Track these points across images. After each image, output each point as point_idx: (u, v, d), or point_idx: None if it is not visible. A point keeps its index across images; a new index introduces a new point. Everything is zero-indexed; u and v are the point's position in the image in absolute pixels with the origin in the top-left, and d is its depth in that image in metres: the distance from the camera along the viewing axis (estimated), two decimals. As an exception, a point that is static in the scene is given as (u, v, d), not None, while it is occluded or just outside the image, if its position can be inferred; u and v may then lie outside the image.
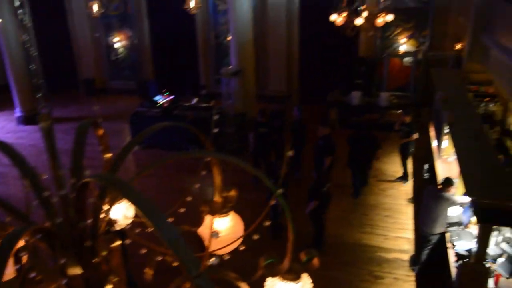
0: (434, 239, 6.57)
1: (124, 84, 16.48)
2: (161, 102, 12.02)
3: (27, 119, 13.81)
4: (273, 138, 9.50)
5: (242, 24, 11.55)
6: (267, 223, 1.72)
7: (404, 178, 9.62)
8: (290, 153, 1.63)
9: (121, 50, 16.32)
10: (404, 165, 9.58)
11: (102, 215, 1.53)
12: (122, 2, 15.56)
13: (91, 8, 12.28)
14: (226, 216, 1.81)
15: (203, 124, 10.78)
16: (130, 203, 1.38)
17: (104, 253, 1.49)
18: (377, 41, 12.96)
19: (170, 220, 1.87)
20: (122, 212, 1.95)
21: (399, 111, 10.27)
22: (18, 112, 14.11)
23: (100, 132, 1.91)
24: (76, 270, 1.41)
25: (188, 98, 12.43)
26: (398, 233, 8.02)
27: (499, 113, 9.21)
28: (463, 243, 6.15)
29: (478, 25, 9.52)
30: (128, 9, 15.62)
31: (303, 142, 9.51)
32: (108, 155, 1.95)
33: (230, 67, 12.10)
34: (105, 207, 1.52)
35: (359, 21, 9.89)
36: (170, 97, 12.24)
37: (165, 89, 12.50)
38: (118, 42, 16.13)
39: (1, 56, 14.04)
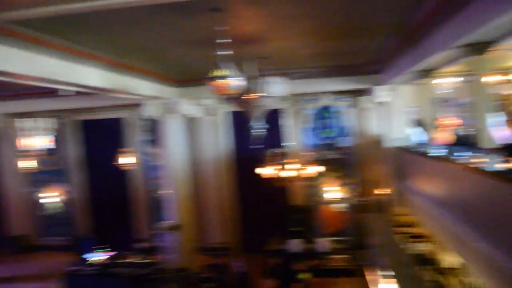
0: None
1: (58, 240, 15.80)
2: (95, 260, 11.54)
3: None
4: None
5: (180, 179, 11.91)
6: None
7: None
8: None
9: (55, 205, 15.97)
10: None
11: None
12: (59, 158, 15.72)
13: (23, 164, 12.24)
14: None
15: (141, 281, 10.38)
16: None
17: None
18: (309, 190, 13.70)
19: None
20: None
21: None
22: None
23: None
24: None
25: (126, 254, 12.05)
26: None
27: (429, 252, 9.63)
28: None
29: (398, 173, 10.48)
30: (64, 164, 15.74)
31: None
32: None
33: (169, 221, 12.09)
34: None
35: (288, 173, 10.52)
36: (110, 253, 11.83)
37: (104, 245, 12.13)
38: (52, 197, 15.83)
39: None
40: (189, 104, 12.13)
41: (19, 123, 12.29)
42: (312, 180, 13.33)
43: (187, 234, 11.91)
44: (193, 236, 12.38)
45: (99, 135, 15.34)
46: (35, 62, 6.47)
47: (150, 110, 11.40)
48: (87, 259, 11.68)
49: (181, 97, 11.65)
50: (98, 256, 11.78)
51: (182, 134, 12.21)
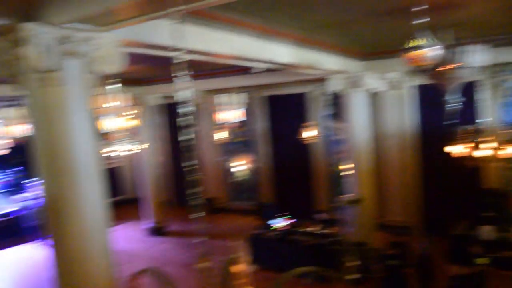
0: None
1: (244, 204, 17.53)
2: (277, 225, 12.32)
3: (154, 231, 15.39)
4: (404, 272, 8.97)
5: (363, 153, 11.86)
6: None
7: None
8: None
9: (243, 173, 17.45)
10: None
11: None
12: (248, 130, 17.09)
13: (218, 136, 13.61)
14: None
15: (319, 251, 10.74)
16: None
17: None
18: (507, 172, 12.17)
19: None
20: None
21: None
22: (146, 224, 15.66)
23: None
24: None
25: (306, 223, 12.57)
26: None
27: None
28: None
29: None
30: (252, 136, 17.07)
31: (431, 280, 8.82)
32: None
33: (349, 195, 12.16)
34: None
35: (482, 153, 9.53)
36: (290, 221, 12.51)
37: (285, 213, 12.85)
38: (241, 166, 17.29)
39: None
40: (373, 78, 11.83)
41: (216, 98, 13.69)
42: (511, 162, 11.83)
43: (367, 209, 11.83)
44: (373, 211, 12.25)
45: (283, 110, 16.18)
46: (232, 42, 7.10)
47: (334, 85, 11.46)
48: (270, 224, 12.51)
49: (366, 71, 11.44)
50: (279, 222, 12.52)
51: (365, 109, 12.04)
